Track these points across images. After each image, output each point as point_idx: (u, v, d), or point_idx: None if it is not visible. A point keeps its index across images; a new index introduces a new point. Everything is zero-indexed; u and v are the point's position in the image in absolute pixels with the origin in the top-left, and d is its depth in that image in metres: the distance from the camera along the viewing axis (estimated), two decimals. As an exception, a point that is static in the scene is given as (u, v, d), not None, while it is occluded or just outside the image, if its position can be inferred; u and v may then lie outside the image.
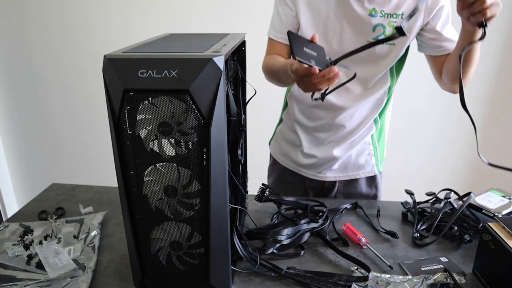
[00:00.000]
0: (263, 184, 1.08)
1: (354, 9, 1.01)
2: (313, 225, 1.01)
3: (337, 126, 1.17)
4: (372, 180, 1.29)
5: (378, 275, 0.87)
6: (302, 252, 0.96)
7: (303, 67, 0.79)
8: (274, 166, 1.36)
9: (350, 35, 1.04)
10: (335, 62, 0.83)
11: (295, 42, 0.77)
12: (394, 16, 1.02)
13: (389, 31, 1.03)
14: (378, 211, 1.13)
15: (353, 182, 1.28)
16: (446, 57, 1.08)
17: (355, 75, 0.93)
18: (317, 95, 0.94)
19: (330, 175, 1.26)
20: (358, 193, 1.29)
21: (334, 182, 1.28)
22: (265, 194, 1.08)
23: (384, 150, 1.29)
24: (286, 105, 1.29)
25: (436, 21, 1.05)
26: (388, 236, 1.02)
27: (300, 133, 1.24)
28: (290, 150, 1.29)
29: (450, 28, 1.07)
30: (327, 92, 0.91)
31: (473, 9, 0.83)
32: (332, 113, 1.15)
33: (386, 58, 1.08)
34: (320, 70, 0.77)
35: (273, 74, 1.08)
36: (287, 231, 0.97)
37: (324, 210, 1.06)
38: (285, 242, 0.96)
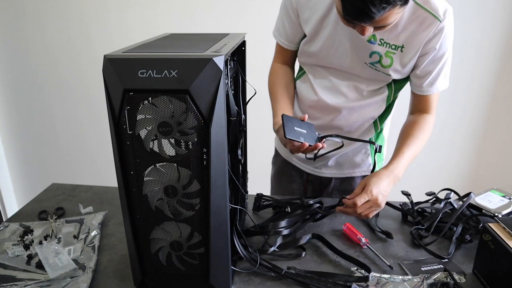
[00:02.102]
0: (257, 194, 1.12)
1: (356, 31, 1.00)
2: (311, 215, 1.04)
3: (334, 127, 1.17)
4: None
5: (378, 275, 0.87)
6: (303, 253, 0.96)
7: (295, 146, 0.92)
8: (277, 158, 1.38)
9: (350, 55, 1.04)
10: (322, 138, 0.95)
11: (287, 124, 0.89)
12: (393, 47, 1.00)
13: (386, 61, 1.02)
14: (378, 211, 1.13)
15: (349, 180, 1.28)
16: (420, 97, 1.08)
17: (342, 145, 1.03)
18: (310, 155, 1.04)
19: (326, 172, 1.27)
20: None
21: (330, 179, 1.29)
22: (261, 202, 1.12)
23: (383, 151, 1.29)
24: None
25: (422, 62, 1.01)
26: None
27: None
28: None
29: (430, 73, 1.03)
30: (318, 154, 1.02)
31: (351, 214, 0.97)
32: (328, 115, 1.15)
33: (381, 81, 1.08)
34: (310, 145, 0.91)
35: (270, 100, 1.17)
36: (285, 222, 0.99)
37: (320, 203, 1.09)
38: (285, 232, 0.97)
